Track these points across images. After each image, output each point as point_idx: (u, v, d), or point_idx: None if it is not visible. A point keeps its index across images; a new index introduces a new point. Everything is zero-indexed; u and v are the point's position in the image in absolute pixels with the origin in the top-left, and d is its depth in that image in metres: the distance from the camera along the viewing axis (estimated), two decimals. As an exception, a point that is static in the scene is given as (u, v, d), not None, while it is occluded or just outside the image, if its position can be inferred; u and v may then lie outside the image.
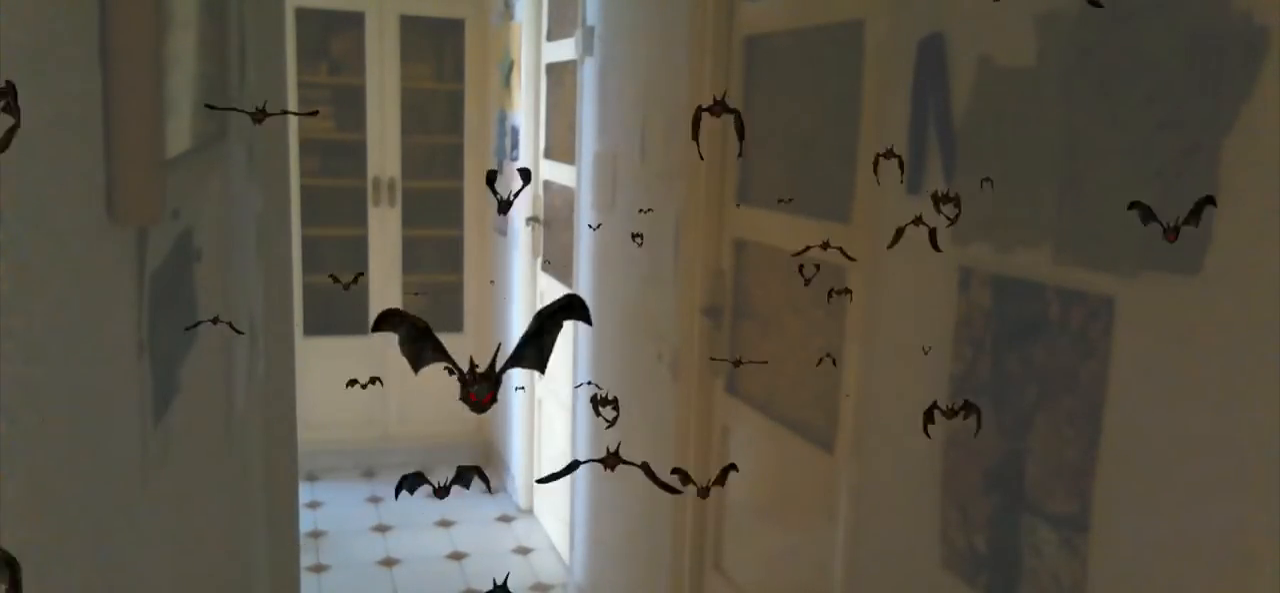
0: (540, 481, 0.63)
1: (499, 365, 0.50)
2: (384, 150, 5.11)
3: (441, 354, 0.49)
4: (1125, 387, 1.42)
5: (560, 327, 0.51)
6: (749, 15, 2.63)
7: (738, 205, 2.71)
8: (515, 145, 4.73)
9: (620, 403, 3.50)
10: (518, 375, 4.73)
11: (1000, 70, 1.65)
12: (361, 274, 5.03)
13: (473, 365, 0.50)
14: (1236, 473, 1.28)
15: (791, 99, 2.52)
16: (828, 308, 2.27)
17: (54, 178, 0.96)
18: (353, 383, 0.91)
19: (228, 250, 1.86)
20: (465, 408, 0.50)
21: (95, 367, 1.08)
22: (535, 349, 0.50)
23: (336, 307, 5.29)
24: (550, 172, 4.40)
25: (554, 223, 4.42)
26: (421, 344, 0.49)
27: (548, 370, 0.53)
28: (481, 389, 0.49)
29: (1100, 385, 1.45)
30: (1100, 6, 1.38)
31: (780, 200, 2.38)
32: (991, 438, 1.68)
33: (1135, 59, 1.41)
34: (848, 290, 1.92)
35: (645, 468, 0.56)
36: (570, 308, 0.51)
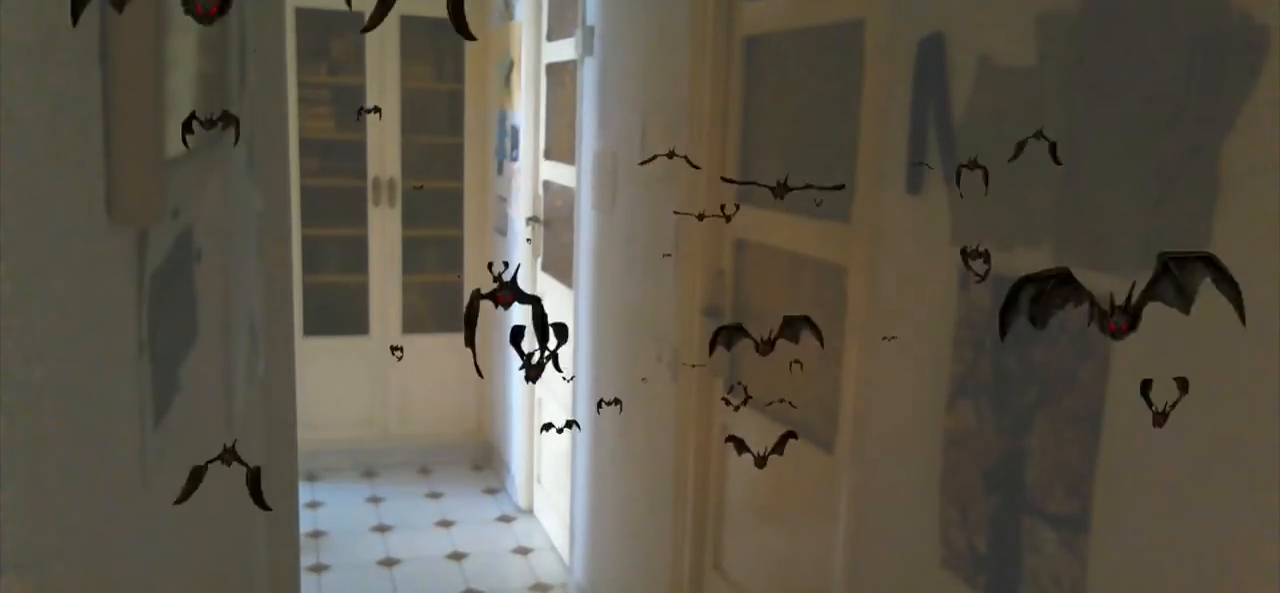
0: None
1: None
2: (384, 150, 5.11)
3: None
4: (1125, 387, 1.42)
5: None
6: (749, 15, 2.63)
7: (738, 205, 2.71)
8: (515, 145, 4.73)
9: (621, 403, 3.49)
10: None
11: (1000, 70, 1.65)
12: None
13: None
14: (1237, 473, 1.28)
15: (791, 99, 2.52)
16: (828, 308, 2.27)
17: (54, 178, 0.96)
18: (548, 428, 0.96)
19: (228, 250, 1.86)
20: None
21: (95, 367, 1.08)
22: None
23: (336, 307, 5.29)
24: (550, 172, 4.40)
25: (554, 223, 4.42)
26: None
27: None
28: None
29: (1100, 385, 1.45)
30: None
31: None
32: (991, 438, 1.68)
33: (1135, 59, 1.40)
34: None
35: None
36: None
